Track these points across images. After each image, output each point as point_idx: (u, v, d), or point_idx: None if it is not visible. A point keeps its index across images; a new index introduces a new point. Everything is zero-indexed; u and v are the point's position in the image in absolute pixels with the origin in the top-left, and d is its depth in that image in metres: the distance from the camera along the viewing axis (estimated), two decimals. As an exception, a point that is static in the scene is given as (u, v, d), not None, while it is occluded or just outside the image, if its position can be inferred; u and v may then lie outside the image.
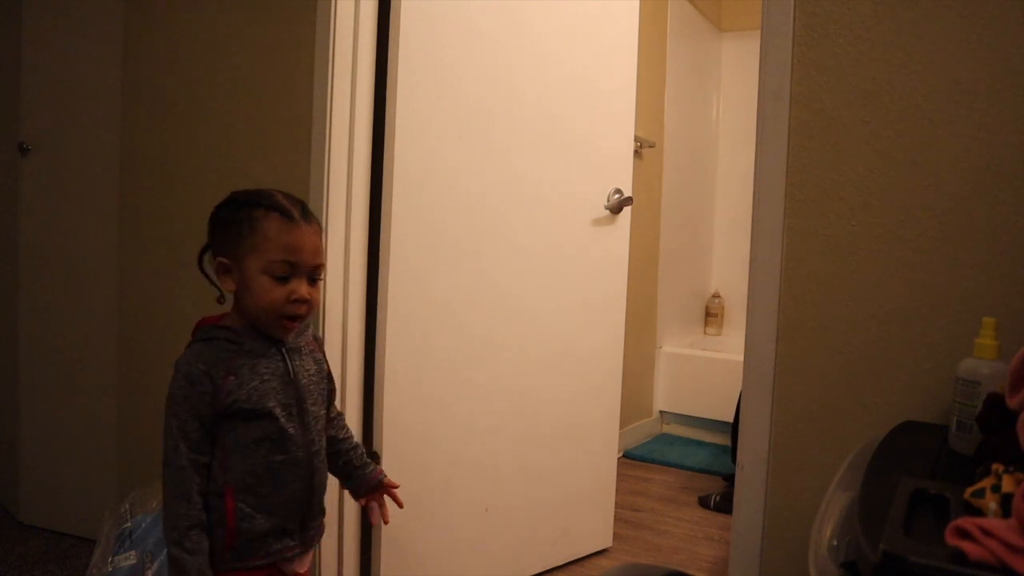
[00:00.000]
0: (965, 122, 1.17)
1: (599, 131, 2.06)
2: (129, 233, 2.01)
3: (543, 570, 2.02)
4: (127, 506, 1.64)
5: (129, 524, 1.62)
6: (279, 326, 1.11)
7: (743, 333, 1.37)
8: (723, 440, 3.12)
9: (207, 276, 1.16)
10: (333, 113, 1.64)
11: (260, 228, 1.09)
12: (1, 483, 2.30)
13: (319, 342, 1.25)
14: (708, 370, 3.34)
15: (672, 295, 3.51)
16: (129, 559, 1.55)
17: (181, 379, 1.08)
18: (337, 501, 1.66)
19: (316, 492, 1.18)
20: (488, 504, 1.87)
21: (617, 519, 2.24)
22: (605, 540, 2.17)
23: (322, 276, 1.17)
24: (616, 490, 2.21)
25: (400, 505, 1.37)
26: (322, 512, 1.21)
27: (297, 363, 1.15)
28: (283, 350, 1.14)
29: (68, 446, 2.11)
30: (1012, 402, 0.82)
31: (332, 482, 1.31)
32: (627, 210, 2.13)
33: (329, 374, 1.25)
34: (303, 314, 1.12)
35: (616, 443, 2.21)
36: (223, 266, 1.11)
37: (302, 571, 1.18)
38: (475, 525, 1.85)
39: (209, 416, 1.07)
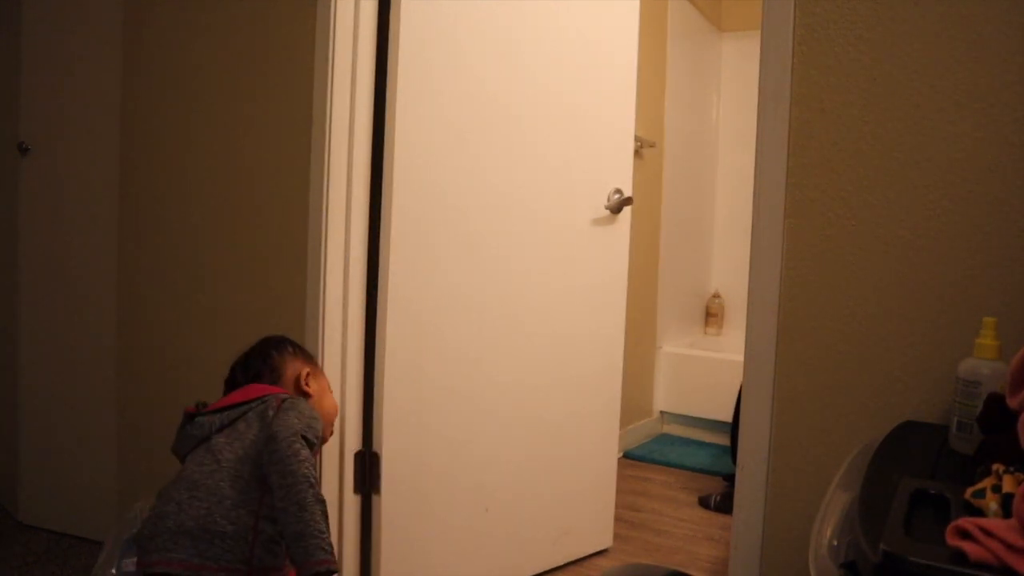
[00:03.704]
0: (965, 122, 1.17)
1: (599, 131, 2.06)
2: (129, 233, 2.01)
3: (543, 570, 2.02)
4: (137, 512, 1.64)
5: (137, 529, 1.61)
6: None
7: (743, 333, 1.37)
8: (723, 440, 3.11)
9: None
10: (333, 113, 1.64)
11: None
12: (1, 483, 2.30)
13: None
14: (708, 370, 3.33)
15: (672, 295, 3.51)
16: (135, 565, 1.54)
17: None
18: (337, 501, 1.66)
19: None
20: (488, 504, 1.87)
21: (617, 519, 2.24)
22: (605, 540, 2.17)
23: None
24: (616, 490, 2.21)
25: None
26: None
27: None
28: None
29: (68, 446, 2.11)
30: (1012, 402, 0.82)
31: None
32: (627, 210, 2.13)
33: None
34: None
35: (616, 443, 2.21)
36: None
37: None
38: (475, 525, 1.85)
39: None
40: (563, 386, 2.02)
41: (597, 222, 2.06)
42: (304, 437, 1.20)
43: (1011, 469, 0.72)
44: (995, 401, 0.91)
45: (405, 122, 1.66)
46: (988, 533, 0.61)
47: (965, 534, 0.62)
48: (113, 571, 1.57)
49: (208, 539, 1.11)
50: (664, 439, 3.36)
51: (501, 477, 1.90)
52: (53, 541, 2.08)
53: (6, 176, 2.19)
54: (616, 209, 2.09)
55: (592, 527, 2.14)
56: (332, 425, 1.46)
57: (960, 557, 0.61)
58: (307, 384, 1.38)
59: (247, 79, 1.80)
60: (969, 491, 0.72)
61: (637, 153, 3.02)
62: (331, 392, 1.48)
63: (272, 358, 1.38)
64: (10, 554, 1.99)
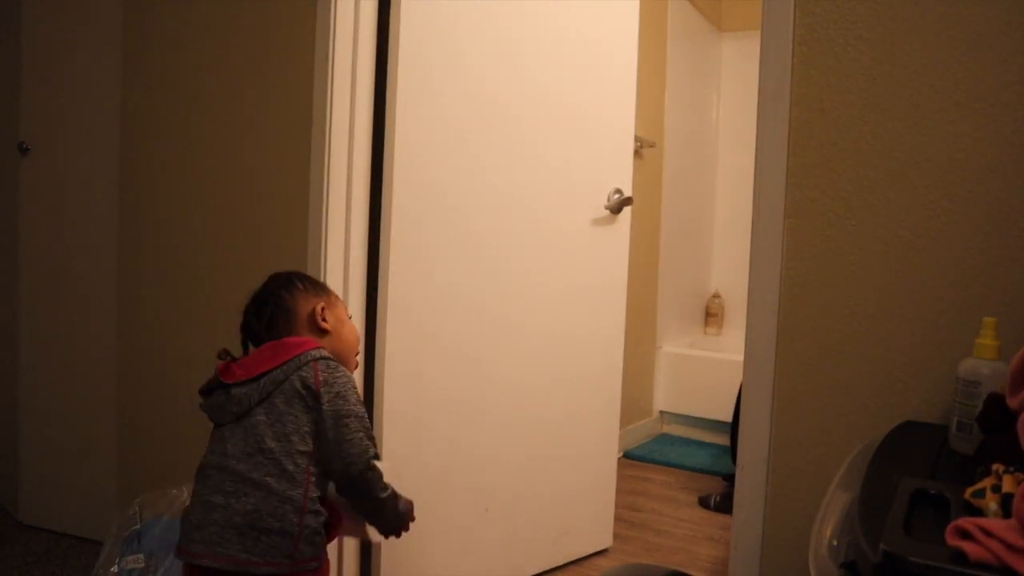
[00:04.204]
0: (965, 122, 1.17)
1: (599, 131, 2.06)
2: (129, 233, 2.01)
3: (543, 570, 2.02)
4: (137, 508, 1.64)
5: (138, 526, 1.61)
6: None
7: (743, 333, 1.37)
8: (723, 440, 3.11)
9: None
10: (333, 113, 1.64)
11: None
12: (1, 483, 2.30)
13: None
14: (708, 370, 3.34)
15: (672, 295, 3.51)
16: (138, 563, 1.55)
17: (351, 376, 1.28)
18: (337, 501, 1.66)
19: None
20: (488, 504, 1.87)
21: (617, 519, 2.24)
22: (605, 540, 2.17)
23: None
24: (616, 490, 2.21)
25: None
26: None
27: None
28: None
29: (68, 446, 2.11)
30: (1012, 402, 0.82)
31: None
32: (627, 210, 2.13)
33: None
34: None
35: (616, 443, 2.21)
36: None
37: None
38: (475, 525, 1.85)
39: None
40: (563, 386, 2.02)
41: (597, 222, 2.06)
42: (362, 414, 1.24)
43: (1011, 469, 0.72)
44: (995, 401, 0.91)
45: (405, 122, 1.66)
46: (988, 533, 0.61)
47: (965, 534, 0.62)
48: (114, 569, 1.57)
49: (255, 536, 1.13)
50: (664, 439, 3.36)
51: (501, 477, 1.90)
52: (53, 541, 2.08)
53: (6, 176, 2.19)
54: (616, 209, 2.09)
55: (592, 527, 2.14)
56: (356, 354, 1.42)
57: (960, 557, 0.61)
58: (323, 319, 1.33)
59: (247, 79, 1.80)
60: (969, 491, 0.72)
61: (637, 153, 3.02)
62: (349, 319, 1.42)
63: (283, 299, 1.33)
64: (10, 554, 1.99)
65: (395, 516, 1.27)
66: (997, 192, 1.15)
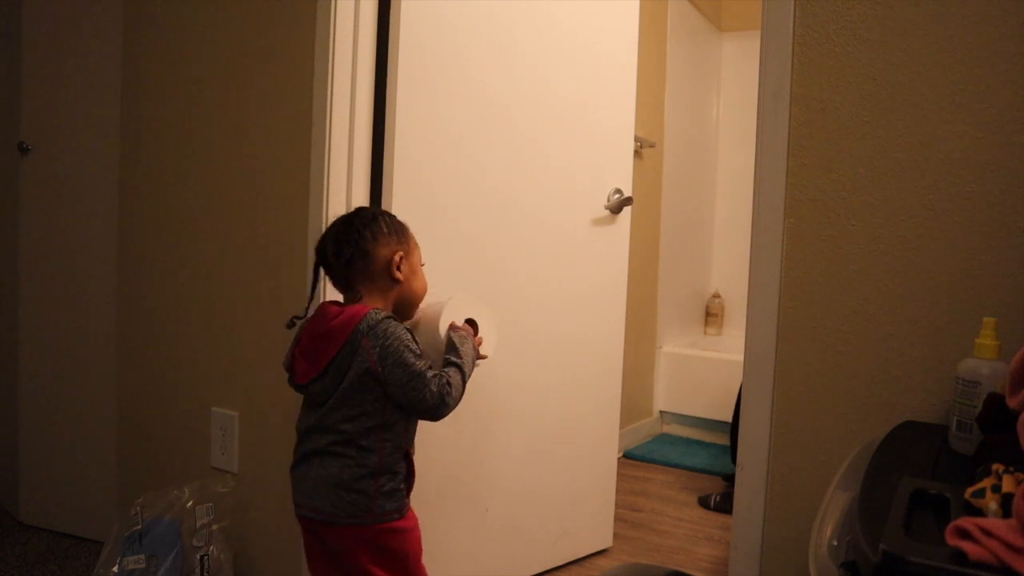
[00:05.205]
0: (965, 122, 1.17)
1: (599, 131, 2.06)
2: (129, 233, 2.01)
3: (543, 570, 2.02)
4: (138, 509, 1.65)
5: (140, 527, 1.62)
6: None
7: (743, 333, 1.37)
8: (723, 440, 3.12)
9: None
10: (333, 113, 1.64)
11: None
12: (1, 483, 2.30)
13: None
14: (708, 370, 3.34)
15: (672, 295, 3.51)
16: (139, 563, 1.55)
17: (401, 331, 1.31)
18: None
19: None
20: (488, 504, 1.87)
21: (617, 519, 2.24)
22: (605, 540, 2.17)
23: None
24: (616, 490, 2.21)
25: None
26: None
27: None
28: None
29: (68, 446, 2.11)
30: (1012, 402, 0.82)
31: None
32: (627, 210, 2.13)
33: None
34: None
35: (616, 443, 2.21)
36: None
37: None
38: (475, 525, 1.85)
39: None
40: (563, 386, 2.02)
41: (597, 222, 2.06)
42: (421, 370, 1.30)
43: (1011, 469, 0.72)
44: (995, 401, 0.91)
45: (405, 122, 1.66)
46: (988, 533, 0.61)
47: (965, 534, 0.62)
48: (115, 569, 1.57)
49: (339, 494, 1.30)
50: (664, 439, 3.36)
51: (501, 477, 1.90)
52: (53, 541, 2.08)
53: (6, 176, 2.19)
54: (616, 209, 2.09)
55: (592, 527, 2.14)
56: (420, 301, 1.47)
57: (960, 557, 0.61)
58: (398, 269, 1.37)
59: (247, 79, 1.80)
60: (969, 491, 0.72)
61: (637, 153, 3.02)
62: (421, 269, 1.45)
63: (365, 242, 1.36)
64: (10, 554, 1.99)
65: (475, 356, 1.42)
66: (997, 192, 1.15)
